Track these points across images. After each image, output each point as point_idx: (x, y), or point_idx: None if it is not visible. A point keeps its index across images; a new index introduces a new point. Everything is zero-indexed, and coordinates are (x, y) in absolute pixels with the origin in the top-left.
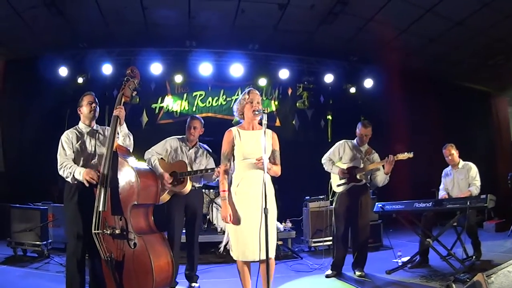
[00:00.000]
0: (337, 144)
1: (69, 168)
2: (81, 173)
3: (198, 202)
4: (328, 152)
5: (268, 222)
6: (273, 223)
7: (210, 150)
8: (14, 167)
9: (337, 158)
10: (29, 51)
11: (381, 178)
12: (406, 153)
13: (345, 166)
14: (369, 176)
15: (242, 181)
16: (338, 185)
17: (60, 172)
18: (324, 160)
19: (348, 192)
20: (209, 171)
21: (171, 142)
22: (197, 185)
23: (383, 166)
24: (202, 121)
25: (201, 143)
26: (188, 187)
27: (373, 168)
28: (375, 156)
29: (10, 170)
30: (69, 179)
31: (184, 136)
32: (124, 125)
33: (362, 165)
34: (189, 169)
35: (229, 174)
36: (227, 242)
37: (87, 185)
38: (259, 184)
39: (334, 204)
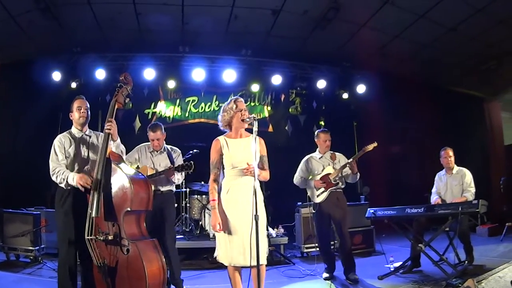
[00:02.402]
0: (302, 161)
1: (62, 174)
2: (74, 179)
3: (166, 206)
4: (297, 172)
5: (258, 228)
6: (263, 229)
7: (177, 151)
8: (6, 172)
9: (307, 174)
10: (23, 55)
11: (352, 176)
12: (370, 144)
13: (318, 177)
14: (343, 178)
15: (232, 188)
16: (318, 195)
17: (53, 178)
18: (295, 180)
19: (327, 200)
20: (162, 174)
21: (138, 150)
22: (162, 188)
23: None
24: (163, 127)
25: (166, 146)
26: None
27: (344, 168)
28: (342, 157)
29: (2, 175)
30: (62, 185)
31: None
32: (118, 140)
33: (333, 171)
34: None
35: (218, 183)
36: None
37: (82, 190)
38: (248, 191)
39: (314, 213)
